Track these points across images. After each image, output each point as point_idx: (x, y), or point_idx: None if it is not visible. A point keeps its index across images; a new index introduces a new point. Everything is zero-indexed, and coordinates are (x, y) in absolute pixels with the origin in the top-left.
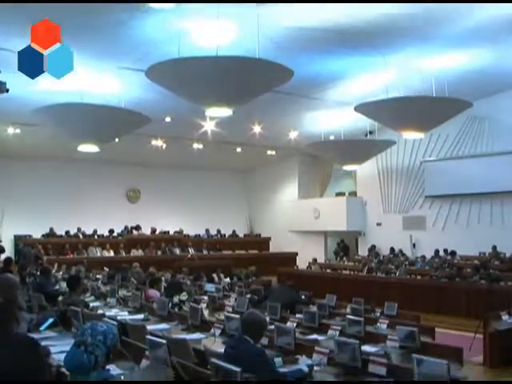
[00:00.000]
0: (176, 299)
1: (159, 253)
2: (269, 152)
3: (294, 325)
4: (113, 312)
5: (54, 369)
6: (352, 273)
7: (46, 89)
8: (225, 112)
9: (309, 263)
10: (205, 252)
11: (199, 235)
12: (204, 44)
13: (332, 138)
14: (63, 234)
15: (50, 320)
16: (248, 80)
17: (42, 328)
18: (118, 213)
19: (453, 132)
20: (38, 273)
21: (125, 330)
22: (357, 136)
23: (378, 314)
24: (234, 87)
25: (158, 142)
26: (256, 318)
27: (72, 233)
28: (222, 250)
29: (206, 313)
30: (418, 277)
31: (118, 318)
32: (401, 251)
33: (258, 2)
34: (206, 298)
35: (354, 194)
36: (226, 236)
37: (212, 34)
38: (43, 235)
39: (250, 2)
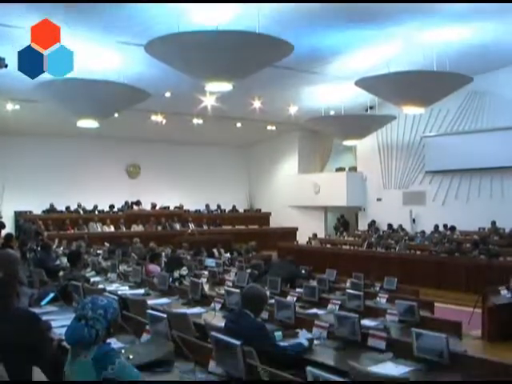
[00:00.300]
0: (176, 274)
1: (159, 228)
2: (269, 127)
3: (294, 299)
4: (113, 287)
5: (56, 343)
6: (352, 248)
7: None
8: (225, 87)
9: (309, 238)
10: (205, 227)
11: (199, 210)
12: (204, 21)
13: (332, 113)
14: (63, 209)
15: (51, 295)
16: (248, 55)
17: (42, 303)
18: (118, 188)
19: (453, 107)
20: (39, 248)
21: (125, 305)
22: (357, 111)
23: (378, 289)
24: (234, 62)
25: (157, 118)
26: (256, 292)
27: (72, 208)
28: (222, 225)
29: (206, 287)
30: (418, 252)
31: (119, 292)
32: (400, 226)
33: None
34: (206, 272)
35: (354, 169)
36: (226, 211)
37: (212, 12)
38: (43, 211)
39: None
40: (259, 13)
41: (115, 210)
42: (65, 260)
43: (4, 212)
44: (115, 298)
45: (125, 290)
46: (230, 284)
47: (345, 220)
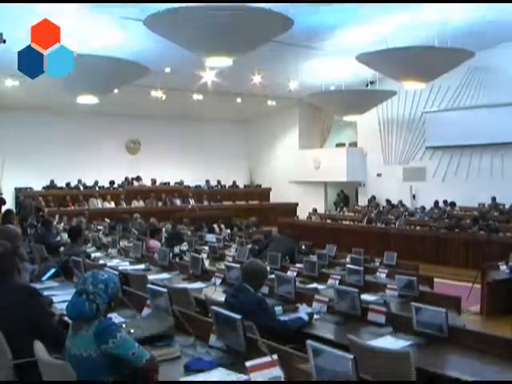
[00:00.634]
0: (177, 249)
1: (160, 204)
2: (269, 102)
3: (295, 274)
4: (114, 262)
5: (57, 317)
6: (352, 223)
7: None
8: (225, 62)
9: (309, 214)
10: (205, 203)
11: (199, 186)
12: None
13: (332, 88)
14: (64, 186)
15: (52, 270)
16: (248, 29)
17: (43, 278)
18: (118, 164)
19: (454, 83)
20: (40, 224)
21: (126, 280)
22: (358, 87)
23: (378, 264)
24: (234, 37)
25: (157, 93)
26: (256, 267)
27: (73, 185)
28: (222, 200)
29: (206, 263)
30: (418, 227)
31: (120, 268)
32: (400, 202)
33: None
34: (206, 248)
35: (354, 144)
36: (226, 187)
37: None
38: (44, 187)
39: None
40: None
41: (115, 186)
42: (65, 236)
43: (4, 189)
44: (116, 273)
45: (125, 265)
46: (231, 259)
47: (345, 195)
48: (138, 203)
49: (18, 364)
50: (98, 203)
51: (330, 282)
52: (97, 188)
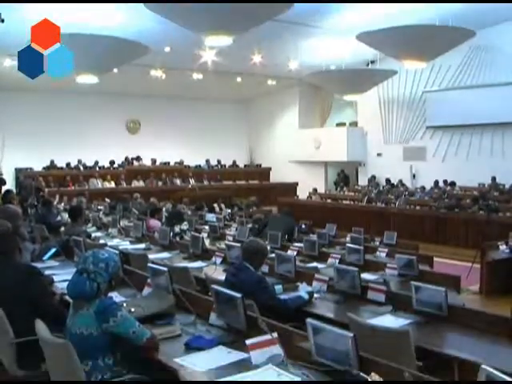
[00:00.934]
0: (177, 229)
1: (160, 184)
2: (269, 82)
3: (295, 253)
4: (114, 242)
5: (58, 297)
6: (352, 203)
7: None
8: (225, 41)
9: (309, 193)
10: (205, 182)
11: (200, 166)
12: None
13: (333, 67)
14: (64, 166)
15: (53, 250)
16: (248, 8)
17: (44, 258)
18: (118, 144)
19: (455, 62)
20: (40, 204)
21: (127, 260)
22: (358, 66)
23: (378, 243)
24: (234, 15)
25: (157, 73)
26: (256, 246)
27: (72, 165)
28: (222, 180)
29: (206, 242)
30: (418, 207)
31: (120, 247)
32: (401, 182)
33: None
34: (206, 227)
35: (354, 124)
36: (226, 166)
37: None
38: (44, 168)
39: None
40: None
41: (115, 165)
42: (66, 216)
43: (4, 169)
44: (116, 252)
45: (126, 244)
46: (231, 239)
47: (345, 175)
48: (138, 183)
49: (19, 343)
50: (98, 183)
51: (330, 261)
52: (97, 168)
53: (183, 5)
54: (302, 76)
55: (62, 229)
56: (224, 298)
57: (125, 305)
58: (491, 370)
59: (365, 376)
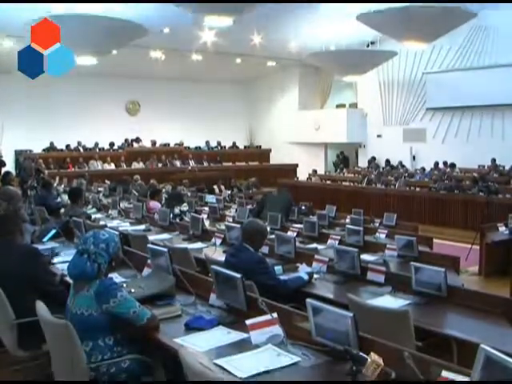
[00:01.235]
0: (177, 210)
1: (160, 165)
2: (269, 63)
3: (295, 234)
4: (114, 223)
5: (58, 278)
6: (352, 184)
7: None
8: (224, 21)
9: (309, 175)
10: (205, 164)
11: (199, 147)
12: None
13: (333, 48)
14: (64, 148)
15: (53, 231)
16: None
17: (44, 239)
18: (117, 126)
19: (456, 43)
20: (40, 186)
21: (126, 241)
22: (358, 47)
23: (377, 225)
24: None
25: (156, 54)
26: (256, 227)
27: (72, 147)
28: (222, 161)
29: (206, 224)
30: (417, 189)
31: (120, 228)
32: (400, 163)
33: None
34: (206, 209)
35: (354, 105)
36: (226, 148)
37: None
38: (44, 150)
39: None
40: None
41: (115, 147)
42: (66, 198)
43: (4, 151)
44: (116, 233)
45: (126, 226)
46: (231, 220)
47: (344, 156)
48: (138, 165)
49: (20, 323)
50: (97, 165)
51: (329, 242)
52: (97, 150)
53: None
54: (301, 57)
55: (62, 210)
56: (224, 279)
57: (125, 285)
58: (490, 349)
59: (364, 356)
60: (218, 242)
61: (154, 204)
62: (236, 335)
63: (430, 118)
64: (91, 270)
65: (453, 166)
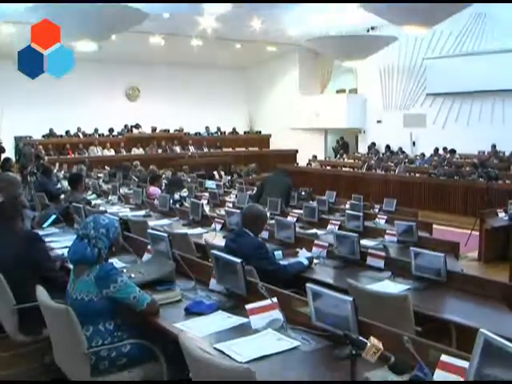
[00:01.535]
0: (177, 196)
1: (160, 151)
2: (269, 48)
3: (294, 219)
4: (114, 209)
5: (58, 263)
6: (352, 170)
7: None
8: (223, 6)
9: (309, 160)
10: (205, 150)
11: (199, 133)
12: None
13: (333, 33)
14: (63, 134)
15: (53, 217)
16: None
17: (44, 225)
18: (117, 112)
19: (456, 29)
20: (39, 172)
21: (126, 226)
22: (358, 33)
23: (377, 210)
24: None
25: (156, 39)
26: (256, 212)
27: (72, 133)
28: (222, 147)
29: (206, 209)
30: (417, 175)
31: (120, 214)
32: (400, 149)
33: None
34: (206, 194)
35: (354, 91)
36: (226, 133)
37: None
38: (43, 136)
39: None
40: None
41: (115, 133)
42: (66, 184)
43: (4, 138)
44: (116, 218)
45: (126, 211)
46: (231, 205)
47: (344, 142)
48: (137, 150)
49: (21, 308)
50: (97, 151)
51: (329, 227)
52: (96, 136)
53: None
54: (301, 43)
55: (62, 196)
56: (224, 264)
57: (125, 270)
58: (489, 333)
59: (364, 340)
60: (218, 227)
61: (154, 190)
62: (236, 320)
63: (430, 104)
64: (91, 254)
65: (453, 151)
